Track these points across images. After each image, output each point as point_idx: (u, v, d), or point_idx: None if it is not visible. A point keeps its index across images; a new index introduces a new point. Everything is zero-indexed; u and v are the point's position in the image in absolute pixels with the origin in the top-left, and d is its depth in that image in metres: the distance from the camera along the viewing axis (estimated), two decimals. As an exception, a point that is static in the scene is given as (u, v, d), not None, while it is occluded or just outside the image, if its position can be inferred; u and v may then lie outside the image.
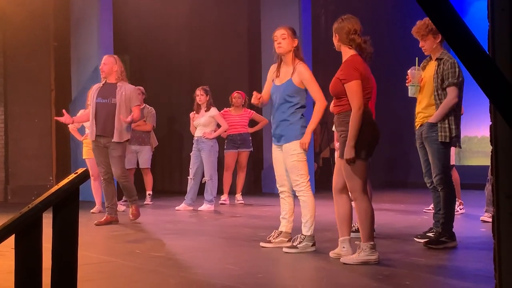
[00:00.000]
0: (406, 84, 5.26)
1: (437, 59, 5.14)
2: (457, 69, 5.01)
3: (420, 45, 5.27)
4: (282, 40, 5.13)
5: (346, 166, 4.35)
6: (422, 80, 5.20)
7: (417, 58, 5.27)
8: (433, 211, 5.44)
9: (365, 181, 4.39)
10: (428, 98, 5.14)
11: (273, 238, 5.24)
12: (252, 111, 9.79)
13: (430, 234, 5.30)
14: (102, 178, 7.16)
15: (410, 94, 5.25)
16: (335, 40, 4.56)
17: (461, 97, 5.13)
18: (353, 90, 4.31)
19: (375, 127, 4.41)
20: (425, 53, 5.30)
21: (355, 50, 4.48)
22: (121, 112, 6.88)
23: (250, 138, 9.70)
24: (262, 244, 5.18)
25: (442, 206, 5.10)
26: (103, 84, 7.10)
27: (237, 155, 9.61)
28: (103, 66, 7.06)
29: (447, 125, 5.01)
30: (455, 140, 5.10)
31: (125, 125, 6.89)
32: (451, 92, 5.00)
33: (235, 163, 9.65)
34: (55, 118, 8.32)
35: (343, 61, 4.50)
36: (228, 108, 9.63)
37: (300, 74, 5.06)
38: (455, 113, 5.06)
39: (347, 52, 4.51)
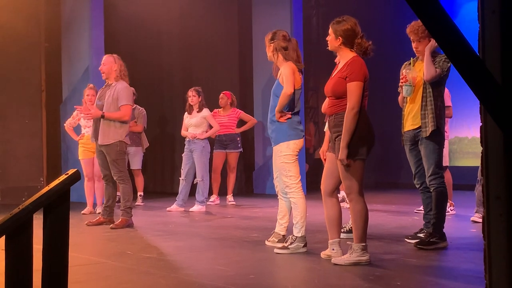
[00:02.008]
0: (400, 84, 5.25)
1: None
2: (449, 65, 5.04)
3: (413, 46, 5.27)
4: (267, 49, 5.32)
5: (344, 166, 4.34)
6: (416, 79, 5.21)
7: (411, 58, 5.28)
8: (424, 212, 5.46)
9: (362, 182, 4.38)
10: (420, 98, 5.16)
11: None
12: (240, 111, 9.79)
13: (421, 235, 5.32)
14: (103, 180, 7.09)
15: (405, 94, 5.25)
16: (336, 42, 4.46)
17: (442, 92, 5.18)
18: (353, 90, 4.29)
19: (371, 127, 4.41)
20: (417, 55, 5.31)
21: (356, 52, 4.46)
22: (109, 112, 6.78)
23: (239, 138, 9.67)
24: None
25: (434, 207, 5.12)
26: (104, 86, 7.03)
27: (225, 156, 9.61)
28: (102, 67, 6.93)
29: (433, 115, 5.05)
30: (443, 138, 5.16)
31: (112, 126, 6.78)
32: (436, 72, 5.05)
33: (223, 163, 9.66)
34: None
35: (345, 62, 4.43)
36: (217, 109, 9.65)
37: (282, 73, 5.12)
38: (441, 109, 5.11)
39: (347, 53, 4.46)
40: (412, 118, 5.23)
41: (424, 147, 5.15)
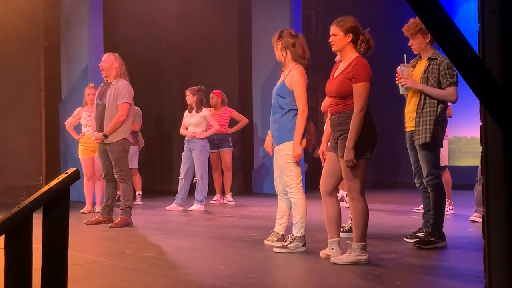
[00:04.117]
0: (396, 82, 5.25)
1: (429, 58, 5.16)
2: (453, 68, 5.02)
3: (409, 44, 5.28)
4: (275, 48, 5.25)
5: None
6: (411, 77, 5.21)
7: (405, 55, 5.28)
8: (423, 211, 5.46)
9: (364, 182, 4.37)
10: (417, 97, 5.15)
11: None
12: (231, 110, 9.79)
13: (420, 234, 5.32)
14: (104, 179, 7.07)
15: (401, 92, 5.25)
16: (346, 39, 4.43)
17: None
18: (361, 91, 4.28)
19: (374, 127, 4.40)
20: (414, 52, 5.31)
21: (359, 52, 4.44)
22: (109, 111, 6.78)
23: (230, 138, 9.66)
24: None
25: (432, 207, 5.12)
26: (103, 84, 7.02)
27: (219, 155, 9.62)
28: (102, 63, 6.93)
29: (427, 126, 5.03)
30: (440, 141, 5.13)
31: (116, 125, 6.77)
32: (452, 90, 5.02)
33: (220, 162, 9.66)
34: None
35: (347, 62, 4.42)
36: (209, 108, 9.65)
37: (292, 77, 5.06)
38: (441, 114, 5.08)
39: (350, 53, 4.44)
40: (409, 120, 5.25)
41: (419, 149, 5.14)
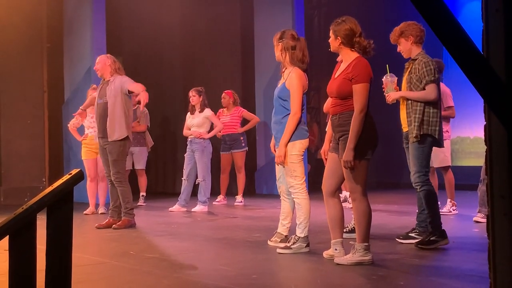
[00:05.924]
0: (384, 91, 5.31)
1: (412, 60, 5.20)
2: (432, 67, 5.06)
3: (398, 50, 5.34)
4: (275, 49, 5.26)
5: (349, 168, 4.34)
6: (396, 87, 5.26)
7: (387, 65, 5.30)
8: (417, 211, 5.45)
9: (365, 182, 4.37)
10: (405, 103, 5.19)
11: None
12: (242, 109, 9.76)
13: (413, 235, 5.31)
14: (107, 180, 7.04)
15: (388, 101, 5.31)
16: (336, 42, 4.47)
17: (439, 95, 5.18)
18: (361, 92, 4.28)
19: (375, 128, 4.40)
20: (404, 57, 5.35)
21: (358, 52, 4.46)
22: (112, 108, 6.71)
23: (242, 138, 9.61)
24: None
25: (425, 206, 5.12)
26: (101, 83, 7.00)
27: (231, 156, 9.58)
28: (96, 65, 6.95)
29: (413, 125, 5.04)
30: (436, 140, 5.12)
31: (118, 122, 6.71)
32: (429, 88, 5.03)
33: (230, 164, 9.63)
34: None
35: (347, 63, 4.43)
36: (222, 109, 9.68)
37: (290, 79, 5.07)
38: (430, 113, 5.08)
39: (349, 54, 4.45)
40: (403, 121, 5.26)
41: (411, 148, 5.17)
